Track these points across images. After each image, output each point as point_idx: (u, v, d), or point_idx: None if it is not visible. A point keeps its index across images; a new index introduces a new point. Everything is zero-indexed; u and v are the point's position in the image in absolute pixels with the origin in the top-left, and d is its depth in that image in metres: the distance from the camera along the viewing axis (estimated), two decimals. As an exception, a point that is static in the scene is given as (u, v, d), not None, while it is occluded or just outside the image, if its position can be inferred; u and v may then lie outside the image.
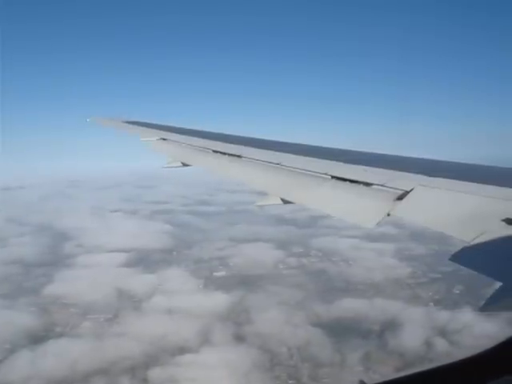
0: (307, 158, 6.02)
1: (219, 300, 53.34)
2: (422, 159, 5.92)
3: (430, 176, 4.44)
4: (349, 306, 51.18)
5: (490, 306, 2.42)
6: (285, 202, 5.10)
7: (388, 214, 3.87)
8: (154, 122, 10.82)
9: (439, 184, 4.17)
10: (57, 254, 73.90)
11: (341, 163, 5.51)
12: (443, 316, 48.51)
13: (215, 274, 63.57)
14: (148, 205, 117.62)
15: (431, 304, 54.76)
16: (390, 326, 46.47)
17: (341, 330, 45.61)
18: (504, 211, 3.18)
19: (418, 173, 4.57)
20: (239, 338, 43.98)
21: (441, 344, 42.09)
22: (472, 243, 2.99)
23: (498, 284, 2.49)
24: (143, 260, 69.61)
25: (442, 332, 44.54)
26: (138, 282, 58.67)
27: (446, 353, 40.58)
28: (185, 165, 7.29)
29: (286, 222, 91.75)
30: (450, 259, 3.03)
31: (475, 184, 3.98)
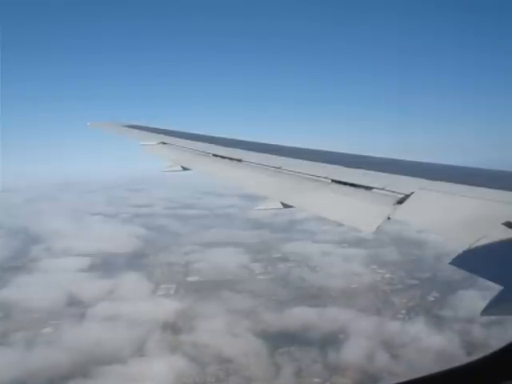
0: (308, 162, 6.00)
1: (168, 307, 51.83)
2: (422, 163, 5.87)
3: (430, 179, 4.40)
4: (300, 315, 49.31)
5: (490, 309, 2.36)
6: (285, 206, 4.99)
7: (388, 218, 3.83)
8: (154, 126, 10.81)
9: (439, 187, 4.17)
10: (22, 257, 73.00)
11: (341, 167, 5.48)
12: (395, 327, 46.34)
13: (174, 279, 62.02)
14: (131, 208, 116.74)
15: (403, 311, 52.88)
16: (337, 337, 44.49)
17: (283, 341, 43.81)
18: (504, 215, 3.17)
19: (418, 176, 4.56)
20: (173, 348, 42.29)
21: (381, 358, 39.93)
22: (473, 246, 2.94)
23: (499, 288, 2.43)
24: (106, 264, 68.43)
25: (388, 345, 42.33)
26: (92, 287, 57.38)
27: (384, 367, 38.62)
28: (185, 169, 7.19)
29: (264, 226, 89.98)
30: (451, 263, 2.93)
31: (475, 187, 3.95)
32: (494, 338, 41.49)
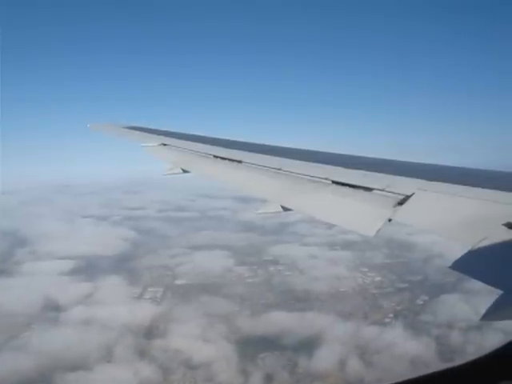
0: (307, 163, 5.98)
1: (145, 311, 50.91)
2: (422, 164, 5.83)
3: (430, 180, 4.39)
4: (277, 320, 48.18)
5: (490, 315, 2.36)
6: (285, 209, 4.92)
7: (389, 220, 3.80)
8: (155, 127, 10.74)
9: (439, 188, 4.14)
10: (6, 260, 72.25)
11: (341, 168, 5.46)
12: (372, 332, 45.03)
13: (156, 282, 61.14)
14: (124, 211, 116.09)
15: (391, 315, 51.72)
16: (311, 342, 43.22)
17: (256, 347, 42.78)
18: (505, 215, 3.16)
19: (418, 177, 4.53)
20: (143, 354, 41.24)
21: (353, 365, 38.63)
22: (473, 249, 2.93)
23: (499, 292, 2.43)
24: (89, 268, 67.55)
25: (363, 351, 41.04)
26: (71, 291, 56.46)
27: (355, 373, 37.42)
28: (185, 171, 7.13)
29: (255, 229, 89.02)
30: (451, 267, 2.88)
31: (475, 188, 3.92)
32: (474, 342, 40.57)
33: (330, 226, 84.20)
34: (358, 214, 4.19)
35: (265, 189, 5.63)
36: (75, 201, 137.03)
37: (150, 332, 45.90)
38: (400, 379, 1.98)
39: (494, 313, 2.36)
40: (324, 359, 40.45)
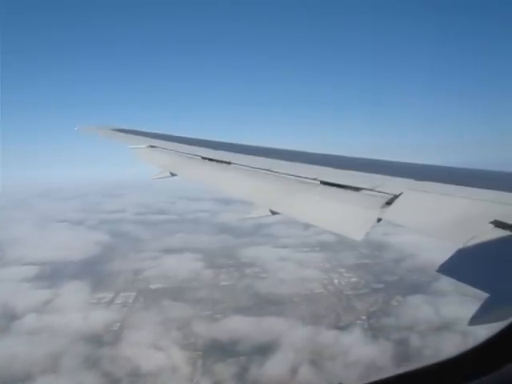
0: (296, 164, 5.93)
1: (102, 317, 49.51)
2: (410, 164, 5.75)
3: (419, 180, 4.37)
4: (236, 325, 47.01)
5: (478, 318, 2.30)
6: (273, 213, 4.83)
7: (378, 220, 3.78)
8: (144, 129, 10.58)
9: (428, 188, 4.13)
10: (-29, 266, 70.40)
11: (330, 168, 5.44)
12: (330, 337, 43.84)
13: (119, 287, 59.67)
14: (101, 214, 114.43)
15: (363, 317, 50.65)
16: (266, 348, 42.01)
17: (210, 354, 41.60)
18: (493, 214, 3.17)
19: (406, 177, 4.52)
20: (91, 363, 39.71)
21: (305, 372, 37.36)
22: (460, 250, 2.92)
23: (486, 295, 2.40)
24: (53, 274, 65.89)
25: (314, 357, 39.83)
26: (29, 298, 54.77)
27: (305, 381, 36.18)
28: (173, 174, 7.00)
29: (230, 231, 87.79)
30: (438, 270, 2.83)
31: (463, 187, 3.92)
32: (446, 342, 39.68)
33: (307, 227, 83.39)
34: (346, 217, 4.15)
35: (253, 191, 5.56)
36: (55, 205, 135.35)
37: (103, 339, 44.39)
38: (396, 372, 1.88)
39: (481, 316, 2.29)
40: (280, 364, 39.32)
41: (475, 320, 2.27)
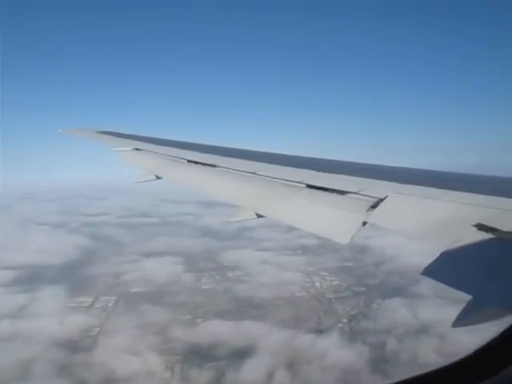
0: (282, 167, 5.89)
1: (80, 322, 48.71)
2: (395, 167, 5.78)
3: (404, 183, 4.40)
4: (216, 330, 46.62)
5: (461, 320, 2.33)
6: (259, 216, 4.91)
7: (364, 223, 3.85)
8: (129, 132, 10.42)
9: (412, 191, 4.15)
10: None
11: (316, 172, 5.43)
12: (310, 340, 43.74)
13: (99, 291, 58.78)
14: (83, 217, 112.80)
15: (344, 320, 50.48)
16: (246, 353, 41.71)
17: (189, 358, 41.12)
18: (476, 217, 3.22)
19: (391, 180, 4.55)
20: (65, 370, 38.88)
21: (281, 376, 37.08)
22: (444, 253, 2.97)
23: (468, 297, 2.42)
24: (31, 278, 64.50)
25: (293, 360, 39.62)
26: (3, 303, 53.53)
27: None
28: (158, 177, 6.96)
29: (213, 234, 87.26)
30: (423, 273, 2.86)
31: (447, 191, 3.96)
32: (429, 344, 39.75)
33: (289, 230, 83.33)
34: (332, 221, 4.17)
35: (239, 194, 5.57)
36: (36, 208, 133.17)
37: (78, 345, 43.56)
38: (398, 379, 1.93)
39: (464, 318, 2.32)
40: (259, 368, 39.04)
41: (459, 322, 2.31)
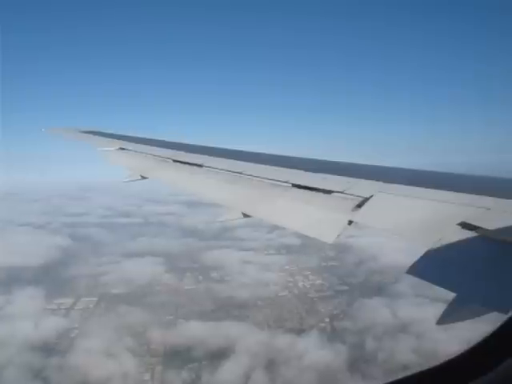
0: (269, 167, 5.92)
1: (55, 324, 47.75)
2: (381, 167, 5.85)
3: (389, 182, 4.45)
4: (198, 330, 46.26)
5: (446, 318, 2.38)
6: (245, 215, 4.76)
7: (349, 222, 3.84)
8: (115, 131, 10.42)
9: (397, 190, 4.20)
10: None
11: (301, 171, 5.49)
12: (291, 340, 43.52)
13: (80, 293, 57.94)
14: (65, 217, 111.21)
15: (327, 320, 50.41)
16: (227, 353, 41.30)
17: (166, 360, 40.69)
18: (460, 216, 3.26)
19: (376, 179, 4.59)
20: (38, 373, 38.02)
21: (258, 377, 36.76)
22: (428, 251, 2.97)
23: (453, 295, 2.45)
24: (8, 279, 63.15)
25: (271, 361, 39.38)
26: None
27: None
28: (143, 177, 6.77)
29: (195, 234, 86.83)
30: (408, 272, 2.83)
31: (432, 190, 4.01)
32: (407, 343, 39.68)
33: (272, 230, 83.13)
34: (318, 220, 4.17)
35: (225, 194, 5.52)
36: (18, 208, 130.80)
37: (53, 348, 42.74)
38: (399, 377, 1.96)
39: (449, 315, 2.36)
40: (239, 368, 38.78)
41: (443, 319, 2.33)
